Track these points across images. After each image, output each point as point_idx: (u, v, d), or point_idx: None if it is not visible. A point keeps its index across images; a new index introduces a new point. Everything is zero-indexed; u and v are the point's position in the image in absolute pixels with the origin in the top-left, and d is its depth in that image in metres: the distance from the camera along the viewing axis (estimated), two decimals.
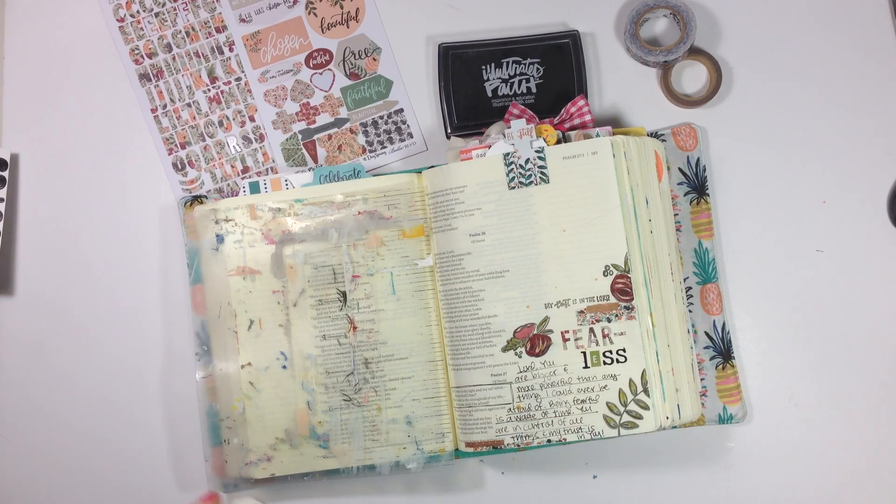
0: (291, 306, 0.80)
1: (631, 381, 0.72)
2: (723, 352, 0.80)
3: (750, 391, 0.81)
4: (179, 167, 0.88)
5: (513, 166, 0.76)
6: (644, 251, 0.74)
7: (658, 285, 0.75)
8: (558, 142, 0.77)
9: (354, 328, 0.79)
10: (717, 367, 0.80)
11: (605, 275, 0.74)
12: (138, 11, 0.88)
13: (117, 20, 0.89)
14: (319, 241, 0.80)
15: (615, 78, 0.85)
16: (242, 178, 0.87)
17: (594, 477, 0.82)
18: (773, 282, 0.82)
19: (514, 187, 0.76)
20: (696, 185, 0.82)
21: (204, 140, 0.88)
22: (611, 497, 0.81)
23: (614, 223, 0.74)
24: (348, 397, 0.79)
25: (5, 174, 0.86)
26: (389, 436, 0.79)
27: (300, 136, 0.86)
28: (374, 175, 0.83)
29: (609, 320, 0.73)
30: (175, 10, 0.88)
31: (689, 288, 0.81)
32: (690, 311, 0.81)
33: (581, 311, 0.74)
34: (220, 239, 0.81)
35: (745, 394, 0.81)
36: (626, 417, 0.73)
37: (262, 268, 0.80)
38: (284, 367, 0.80)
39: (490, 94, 0.84)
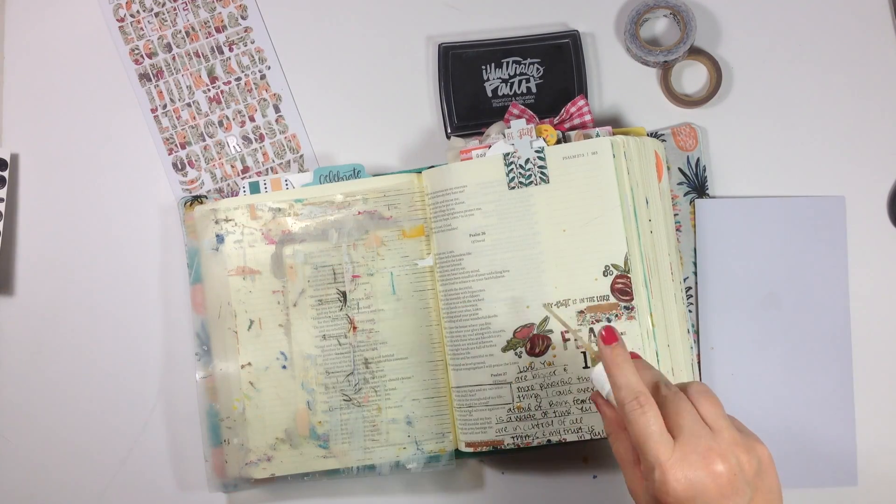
0: (291, 306, 0.80)
1: None
2: None
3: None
4: (179, 167, 0.88)
5: (513, 166, 0.76)
6: (644, 251, 0.74)
7: (658, 285, 0.75)
8: (558, 142, 0.77)
9: (354, 328, 0.79)
10: None
11: (604, 275, 0.73)
12: (138, 11, 0.88)
13: (117, 20, 0.89)
14: (319, 241, 0.80)
15: (615, 78, 0.85)
16: (242, 178, 0.87)
17: (594, 477, 0.82)
18: None
19: (514, 187, 0.76)
20: (696, 185, 0.82)
21: (204, 140, 0.87)
22: (611, 497, 0.81)
23: (614, 223, 0.74)
24: (348, 397, 0.79)
25: (5, 174, 0.86)
26: (389, 436, 0.79)
27: None
28: (375, 175, 0.83)
29: (609, 320, 0.73)
30: (175, 10, 0.88)
31: (689, 288, 0.81)
32: (690, 312, 0.80)
33: (581, 311, 0.74)
34: (220, 239, 0.81)
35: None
36: None
37: (262, 268, 0.80)
38: (284, 367, 0.79)
39: (490, 94, 0.84)
